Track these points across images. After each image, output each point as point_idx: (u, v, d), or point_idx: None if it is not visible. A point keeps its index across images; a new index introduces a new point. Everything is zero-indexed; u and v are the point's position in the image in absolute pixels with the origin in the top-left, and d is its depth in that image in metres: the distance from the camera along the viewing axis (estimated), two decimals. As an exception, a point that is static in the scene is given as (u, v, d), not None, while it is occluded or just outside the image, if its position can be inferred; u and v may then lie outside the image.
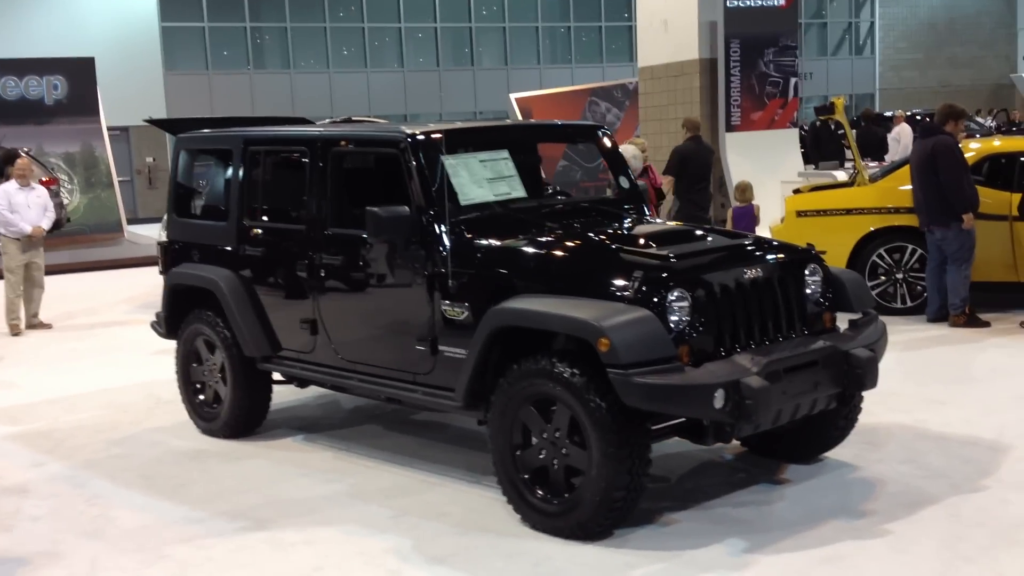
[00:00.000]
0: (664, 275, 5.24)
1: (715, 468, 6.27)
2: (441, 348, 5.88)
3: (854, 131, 17.61)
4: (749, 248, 5.77)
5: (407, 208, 5.86)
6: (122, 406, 8.41)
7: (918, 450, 6.42)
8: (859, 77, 42.55)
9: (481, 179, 6.18)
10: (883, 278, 10.67)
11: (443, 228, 5.83)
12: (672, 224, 6.44)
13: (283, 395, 7.97)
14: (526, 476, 5.44)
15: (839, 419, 6.06)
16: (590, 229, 6.01)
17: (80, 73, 22.31)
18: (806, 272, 5.77)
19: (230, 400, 7.20)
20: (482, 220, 6.01)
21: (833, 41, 42.16)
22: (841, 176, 15.28)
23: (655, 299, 5.12)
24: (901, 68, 43.29)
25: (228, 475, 6.54)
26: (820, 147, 18.07)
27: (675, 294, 5.16)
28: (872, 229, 10.66)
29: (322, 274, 6.54)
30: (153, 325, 7.83)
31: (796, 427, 5.91)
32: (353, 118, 17.78)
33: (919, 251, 10.42)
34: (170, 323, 7.60)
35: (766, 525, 5.36)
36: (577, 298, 5.27)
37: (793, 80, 17.55)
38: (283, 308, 6.84)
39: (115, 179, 22.79)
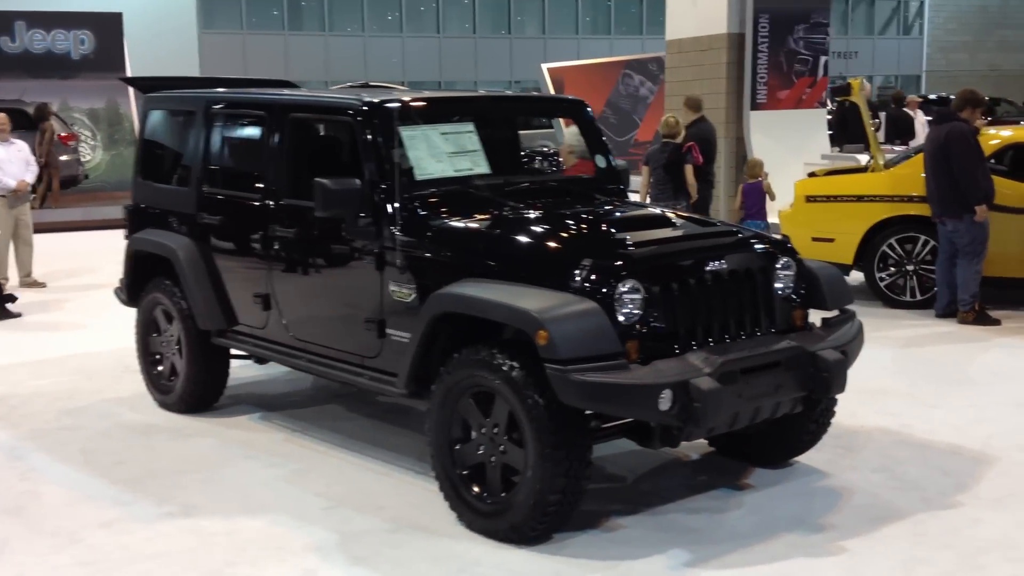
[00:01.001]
0: (616, 264, 4.89)
1: (677, 469, 5.93)
2: (388, 331, 5.57)
3: (884, 114, 17.09)
4: (717, 239, 5.40)
5: (358, 181, 5.52)
6: (89, 372, 8.19)
7: (895, 458, 6.04)
8: (906, 58, 41.68)
9: (441, 153, 5.84)
10: (893, 269, 10.22)
11: (395, 204, 5.50)
12: (645, 209, 6.05)
13: (249, 369, 7.70)
14: (464, 472, 5.13)
15: (809, 423, 5.69)
16: (553, 211, 5.65)
17: (107, 28, 22.07)
18: (777, 266, 5.39)
19: (185, 374, 6.95)
20: (438, 197, 5.68)
21: (880, 20, 41.28)
22: (866, 160, 14.76)
23: (604, 290, 4.77)
24: (949, 50, 42.33)
25: (170, 454, 6.28)
26: (846, 129, 17.48)
27: (626, 285, 4.80)
28: (883, 218, 10.18)
29: (275, 247, 6.25)
30: (116, 292, 7.58)
31: (764, 429, 5.55)
32: (370, 83, 17.47)
33: (932, 242, 9.95)
34: (131, 290, 7.35)
35: (715, 536, 5.02)
36: (526, 285, 4.93)
37: (823, 59, 16.96)
38: (239, 281, 6.56)
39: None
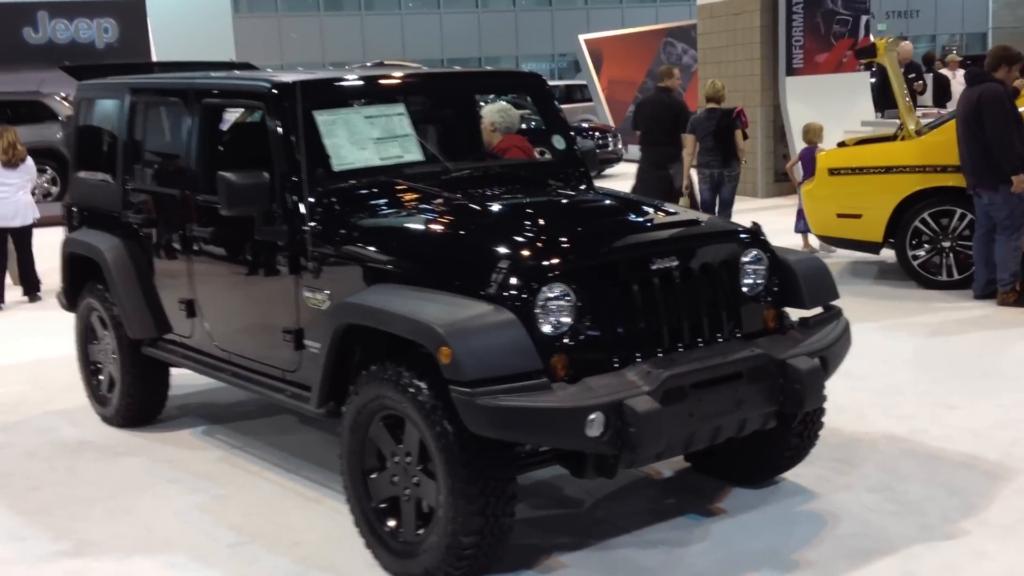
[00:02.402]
0: (540, 265, 4.17)
1: (643, 490, 5.20)
2: (307, 343, 4.92)
3: (929, 75, 16.03)
4: (669, 231, 4.65)
5: (266, 174, 4.85)
6: (43, 381, 7.66)
7: (898, 473, 5.25)
8: (970, 15, 40.08)
9: (365, 139, 5.15)
10: (927, 247, 9.34)
11: (308, 199, 4.82)
12: (599, 197, 5.30)
13: (202, 376, 7.09)
14: (378, 506, 4.46)
15: (791, 438, 4.92)
16: (487, 203, 4.93)
17: (131, 16, 21.65)
18: (745, 259, 4.63)
19: (120, 386, 6.37)
20: (359, 190, 5.00)
21: (943, -24, 39.70)
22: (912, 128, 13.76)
23: (525, 296, 4.06)
24: (1017, 6, 40.58)
25: (90, 477, 5.71)
26: (887, 94, 16.44)
27: (553, 290, 4.09)
28: (915, 190, 9.30)
29: (195, 248, 5.61)
30: (58, 296, 7.00)
31: (741, 445, 4.80)
32: (385, 62, 16.77)
33: (969, 216, 9.05)
34: (69, 295, 6.76)
35: (668, 577, 4.29)
36: (441, 292, 4.23)
37: (864, 18, 15.98)
38: (166, 285, 5.94)
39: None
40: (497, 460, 4.07)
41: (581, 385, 4.04)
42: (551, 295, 4.10)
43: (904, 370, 6.99)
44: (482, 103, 6.84)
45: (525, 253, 4.27)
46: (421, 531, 4.28)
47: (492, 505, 4.07)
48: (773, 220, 11.85)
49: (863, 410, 6.18)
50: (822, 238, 10.06)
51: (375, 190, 5.01)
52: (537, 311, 4.06)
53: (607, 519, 4.86)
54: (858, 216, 9.60)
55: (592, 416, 3.90)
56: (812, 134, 11.07)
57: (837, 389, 5.99)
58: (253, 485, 5.47)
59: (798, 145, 14.92)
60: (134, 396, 6.34)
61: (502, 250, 4.30)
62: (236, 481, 5.53)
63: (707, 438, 4.32)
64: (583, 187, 5.55)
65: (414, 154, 5.23)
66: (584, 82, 25.51)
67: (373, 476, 4.47)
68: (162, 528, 5.01)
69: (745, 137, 10.91)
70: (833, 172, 9.76)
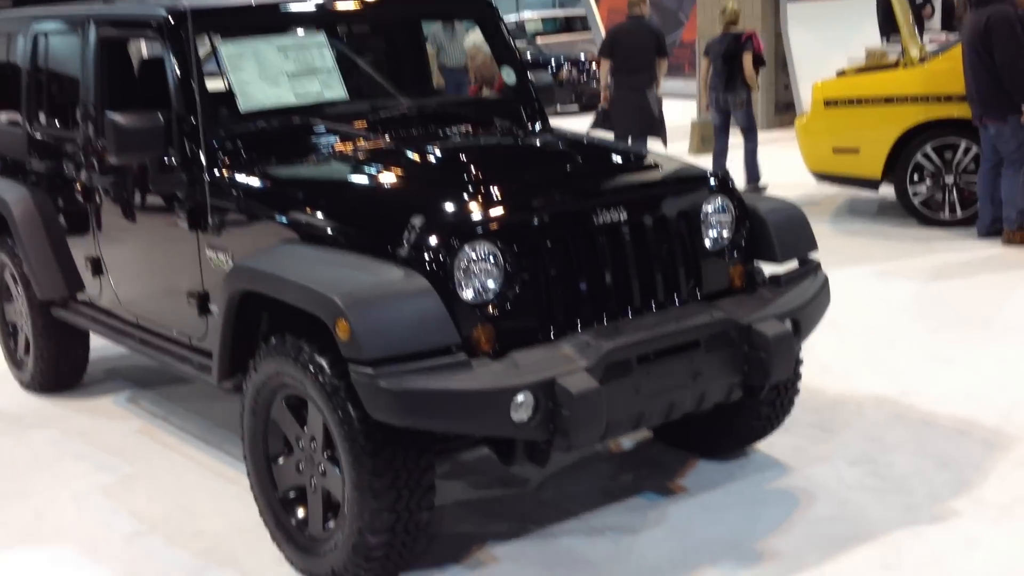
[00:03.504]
0: (460, 222, 3.57)
1: (598, 464, 4.64)
2: (212, 307, 4.33)
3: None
4: (620, 179, 4.03)
5: (160, 115, 4.23)
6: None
7: (884, 443, 4.68)
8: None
9: (278, 74, 4.52)
10: (929, 183, 8.69)
11: (207, 143, 4.21)
12: (546, 139, 4.65)
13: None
14: (285, 496, 3.90)
15: (761, 407, 4.34)
16: (415, 147, 4.30)
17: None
18: (708, 209, 4.01)
19: (33, 349, 5.81)
20: (268, 134, 4.37)
21: None
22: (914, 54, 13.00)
23: (441, 258, 3.46)
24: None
25: (-9, 454, 5.15)
26: (893, 18, 15.61)
27: (475, 251, 3.49)
28: (917, 122, 8.61)
29: (97, 200, 5.02)
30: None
31: (708, 414, 4.20)
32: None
33: (974, 149, 8.39)
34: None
35: (612, 573, 3.73)
36: (349, 254, 3.63)
37: (870, -64, 15.06)
38: (73, 240, 5.35)
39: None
40: (410, 448, 3.49)
41: (507, 361, 3.45)
42: (474, 256, 3.50)
43: (898, 319, 6.39)
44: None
45: (445, 207, 3.67)
46: (330, 525, 3.72)
47: (405, 500, 3.51)
48: (773, 153, 11.18)
49: (850, 367, 5.60)
50: (817, 175, 9.38)
51: (287, 134, 4.39)
52: (457, 275, 3.47)
53: (553, 501, 4.31)
54: (855, 151, 8.94)
55: (518, 398, 3.32)
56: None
57: (822, 343, 5.44)
58: (166, 462, 4.93)
59: (800, 75, 14.22)
60: (48, 361, 5.79)
61: (418, 204, 3.69)
62: (149, 457, 4.99)
63: (659, 415, 3.75)
64: (535, 127, 4.90)
65: (336, 91, 4.60)
66: (584, 12, 24.64)
67: (279, 462, 3.90)
68: (55, 514, 4.47)
69: (762, 63, 10.51)
70: (829, 104, 9.08)
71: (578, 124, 16.02)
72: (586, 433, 3.40)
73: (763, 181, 10.53)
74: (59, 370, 5.83)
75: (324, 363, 3.48)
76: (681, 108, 14.69)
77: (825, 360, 5.64)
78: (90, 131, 4.93)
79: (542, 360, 3.45)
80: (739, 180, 10.84)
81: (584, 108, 19.68)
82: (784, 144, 12.34)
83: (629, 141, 10.15)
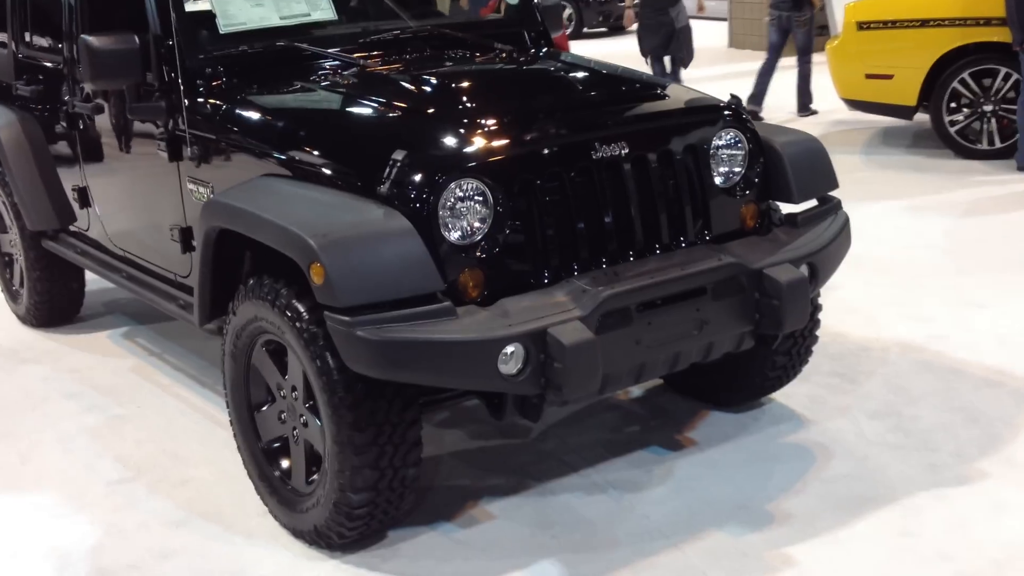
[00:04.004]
0: (446, 156, 3.30)
1: (603, 413, 4.40)
2: (196, 243, 4.07)
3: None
4: (622, 109, 3.73)
5: (136, 38, 3.96)
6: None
7: (909, 394, 4.42)
8: None
9: (264, -7, 4.22)
10: (967, 111, 8.30)
11: (185, 68, 3.95)
12: (548, 65, 4.34)
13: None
14: (268, 446, 3.70)
15: (776, 356, 4.08)
16: (407, 73, 4.02)
17: None
18: (719, 143, 3.72)
19: (27, 283, 5.62)
20: (251, 58, 4.10)
21: None
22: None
23: (425, 196, 3.19)
24: None
25: (-23, 392, 4.99)
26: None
27: (461, 188, 3.23)
28: (954, 47, 8.21)
29: (81, 127, 4.78)
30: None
31: (720, 363, 3.93)
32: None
33: (1014, 76, 8.00)
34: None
35: (608, 537, 3.53)
36: (328, 190, 3.38)
37: None
38: (62, 170, 5.12)
39: None
40: (394, 401, 3.26)
41: (495, 309, 3.20)
42: (460, 194, 3.23)
43: (929, 258, 6.08)
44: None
45: (430, 141, 3.40)
46: (314, 479, 3.51)
47: (388, 456, 3.29)
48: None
49: (876, 310, 5.32)
50: (849, 102, 8.99)
51: (270, 58, 4.11)
52: (442, 215, 3.21)
53: (554, 453, 4.08)
54: (889, 76, 8.55)
55: (507, 349, 3.08)
56: None
57: (848, 284, 5.18)
58: (158, 404, 4.74)
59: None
60: (42, 294, 5.60)
61: (402, 137, 3.42)
62: (140, 398, 4.80)
63: (663, 367, 3.50)
64: (539, 52, 4.59)
65: (324, 12, 4.31)
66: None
67: (262, 410, 3.69)
68: (40, 458, 4.30)
69: None
70: (862, 26, 8.67)
71: (606, 48, 15.59)
72: (580, 387, 3.16)
73: (814, 106, 10.21)
74: (53, 304, 5.64)
75: (302, 309, 3.25)
76: (711, 30, 14.23)
77: (850, 302, 5.36)
78: (74, 54, 4.67)
79: (534, 308, 3.20)
80: (785, 105, 10.51)
81: (613, 30, 19.19)
82: (817, 68, 11.91)
83: (651, 63, 9.83)
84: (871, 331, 5.06)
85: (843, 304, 5.30)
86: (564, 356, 3.07)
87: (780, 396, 4.39)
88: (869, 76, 8.63)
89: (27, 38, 5.22)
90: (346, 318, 3.03)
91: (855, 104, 9.00)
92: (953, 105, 8.36)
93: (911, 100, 8.46)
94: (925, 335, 4.99)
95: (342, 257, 3.04)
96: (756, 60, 10.96)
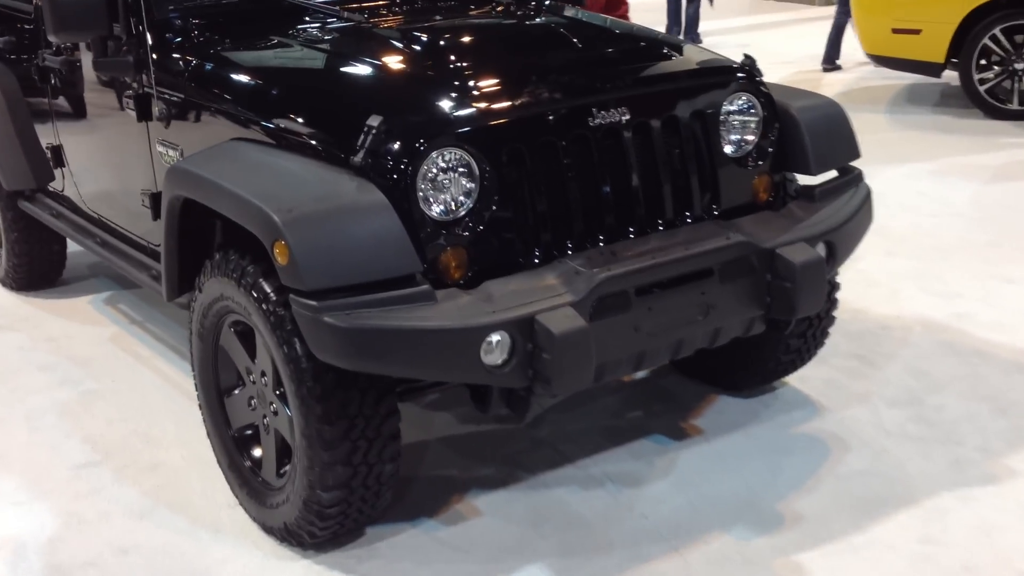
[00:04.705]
0: (426, 122, 2.99)
1: (603, 399, 4.11)
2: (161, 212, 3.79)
3: None
4: (625, 70, 3.41)
5: None
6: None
7: (932, 379, 4.11)
8: None
9: (242, -61, 3.89)
10: (997, 69, 7.92)
11: (154, 20, 3.64)
12: (547, 22, 3.99)
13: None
14: (239, 433, 3.43)
15: (791, 339, 3.78)
16: (391, 29, 3.71)
17: None
18: (730, 108, 3.40)
19: (4, 244, 5.36)
20: (225, 8, 3.80)
21: None
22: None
23: (402, 166, 2.89)
24: None
25: (-52, 362, 4.74)
26: None
27: (443, 158, 2.93)
28: (985, 0, 7.79)
29: (53, 81, 4.49)
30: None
31: (730, 345, 3.62)
32: None
33: (1049, 33, 7.61)
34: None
35: (602, 543, 3.24)
36: (300, 157, 3.08)
37: None
38: (38, 127, 4.83)
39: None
40: (368, 391, 2.98)
41: (479, 293, 2.91)
42: (442, 164, 2.93)
43: (955, 227, 5.75)
44: None
45: (410, 104, 3.09)
46: (285, 471, 3.24)
47: (362, 451, 3.02)
48: (827, 32, 10.32)
49: (898, 284, 5.00)
50: (874, 58, 8.60)
51: (247, 9, 3.80)
52: (422, 187, 2.91)
53: (549, 440, 3.80)
54: (917, 32, 8.16)
55: (491, 338, 2.78)
56: None
57: (869, 255, 4.89)
58: (134, 378, 4.48)
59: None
60: (21, 256, 5.33)
61: (380, 100, 3.12)
62: (116, 371, 4.54)
63: (665, 354, 3.21)
64: (540, 5, 4.25)
65: (310, -41, 3.98)
66: None
67: (233, 394, 3.41)
68: (5, 437, 4.07)
69: None
70: (889, -22, 8.25)
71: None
72: (571, 379, 2.87)
73: (840, 62, 9.83)
74: (33, 268, 5.38)
75: (269, 289, 2.96)
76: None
77: (870, 274, 5.05)
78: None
79: (521, 292, 2.91)
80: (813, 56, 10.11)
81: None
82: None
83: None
84: (892, 307, 4.75)
85: (863, 277, 4.99)
86: (553, 346, 2.78)
87: (794, 379, 4.10)
88: (896, 31, 8.24)
89: (0, -14, 4.91)
90: (312, 302, 2.74)
91: (880, 60, 8.61)
92: (983, 62, 7.98)
93: (939, 57, 8.08)
94: (950, 313, 4.68)
95: (309, 235, 2.75)
96: (782, 12, 10.56)
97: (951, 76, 8.36)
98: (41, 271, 5.43)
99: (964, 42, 7.94)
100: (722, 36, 11.57)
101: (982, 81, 8.01)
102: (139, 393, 4.34)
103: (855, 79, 9.69)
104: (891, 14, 8.23)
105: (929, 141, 7.50)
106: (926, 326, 4.56)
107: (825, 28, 10.19)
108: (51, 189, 4.89)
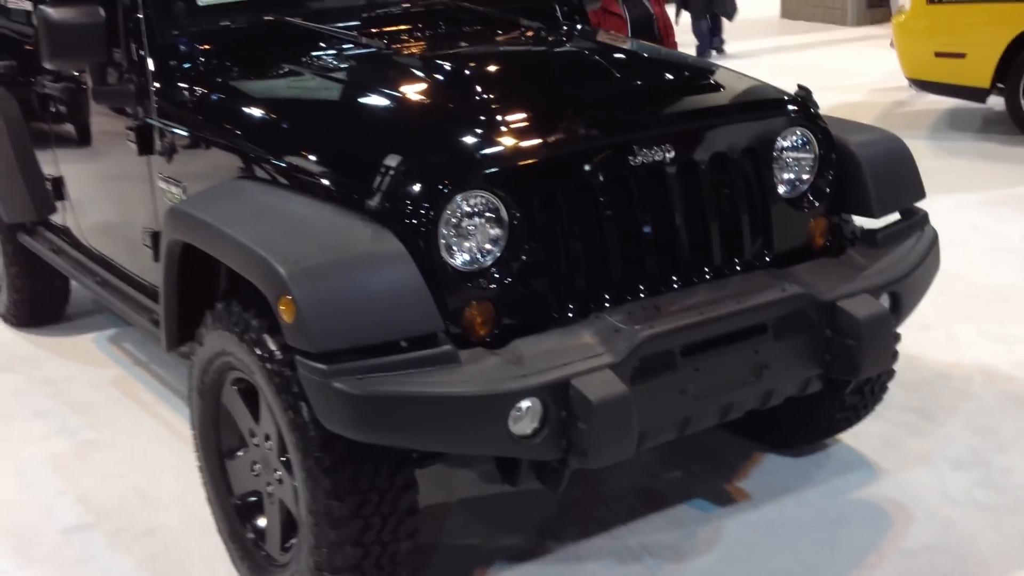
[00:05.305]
0: (450, 163, 2.68)
1: (639, 456, 3.70)
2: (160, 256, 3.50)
3: None
4: (668, 104, 3.09)
5: (102, 10, 3.37)
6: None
7: (998, 437, 3.78)
8: None
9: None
10: (1046, 93, 7.57)
11: (157, 47, 3.36)
12: (579, 50, 3.67)
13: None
14: (241, 500, 3.12)
15: (846, 396, 3.44)
16: (412, 57, 3.40)
17: None
18: (784, 145, 3.07)
19: (5, 279, 5.08)
20: (233, 34, 3.51)
21: None
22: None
23: (423, 212, 2.58)
24: None
25: (-60, 406, 4.46)
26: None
27: (468, 203, 2.61)
28: (1034, 24, 7.48)
29: (52, 110, 4.22)
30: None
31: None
32: None
33: (1101, 57, 7.25)
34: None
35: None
36: (311, 200, 2.78)
37: None
38: (40, 156, 4.57)
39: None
40: (382, 462, 2.67)
41: (507, 353, 2.60)
42: (467, 209, 2.62)
43: (1011, 264, 5.41)
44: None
45: (433, 142, 2.78)
46: (291, 544, 2.93)
47: (375, 530, 2.71)
48: (863, 54, 10.01)
49: (953, 327, 4.66)
50: (915, 82, 8.27)
51: (257, 35, 3.51)
52: (444, 235, 2.60)
53: (582, 504, 3.48)
54: (961, 56, 7.83)
55: (521, 405, 2.47)
56: None
57: (921, 296, 4.48)
58: (135, 426, 4.19)
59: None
60: (22, 292, 5.07)
61: (399, 137, 2.81)
62: (116, 419, 4.26)
63: (712, 418, 2.90)
64: (572, 31, 3.95)
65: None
66: None
67: (238, 455, 3.11)
68: (-8, 495, 3.75)
69: None
70: (932, 1, 7.92)
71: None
72: (610, 451, 2.56)
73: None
74: (35, 303, 5.12)
75: (274, 347, 2.66)
76: None
77: (923, 316, 4.62)
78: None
79: (554, 352, 2.60)
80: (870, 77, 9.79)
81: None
82: (876, 43, 11.18)
83: (694, 21, 9.29)
84: (949, 354, 4.41)
85: (915, 319, 4.53)
86: (591, 415, 2.47)
87: (847, 436, 3.78)
88: (939, 54, 7.91)
89: (4, 5, 4.66)
90: (321, 366, 2.43)
91: (922, 84, 8.28)
92: (1031, 87, 7.63)
93: (984, 82, 7.74)
94: (1012, 361, 4.34)
95: (317, 289, 2.45)
96: (810, 32, 10.24)
97: (995, 101, 8.01)
98: (43, 307, 5.17)
99: (1011, 66, 7.59)
100: (747, 59, 11.25)
101: (1031, 106, 7.66)
102: (139, 444, 4.05)
103: (891, 103, 9.36)
104: (934, 38, 7.90)
105: (975, 170, 7.16)
106: (987, 375, 4.22)
107: (858, 51, 9.86)
108: (52, 222, 4.61)
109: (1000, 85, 7.76)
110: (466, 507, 3.51)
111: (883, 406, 3.77)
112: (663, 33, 5.93)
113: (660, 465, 3.69)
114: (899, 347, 3.48)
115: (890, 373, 3.52)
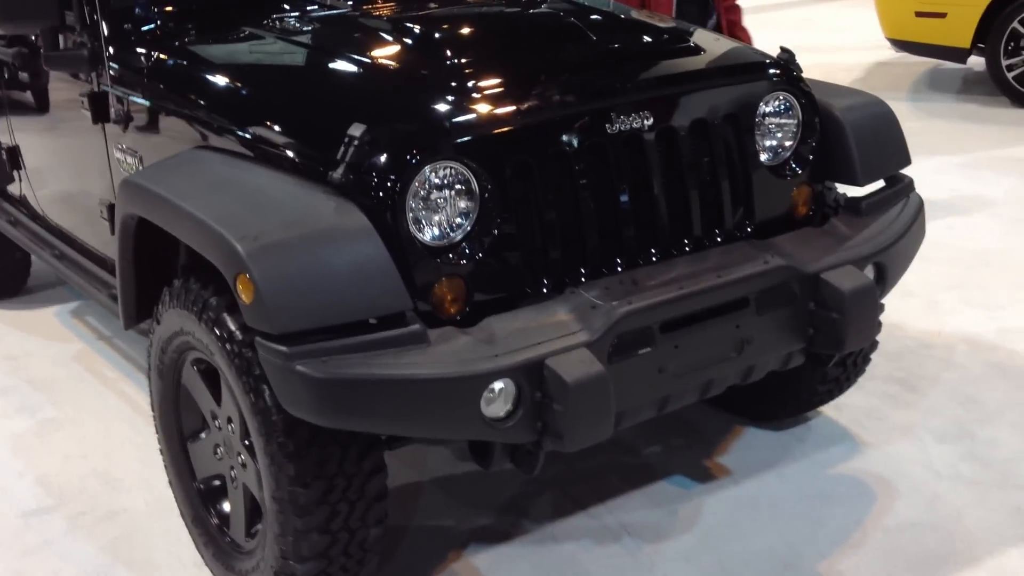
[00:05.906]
0: (417, 131, 2.55)
1: (620, 434, 3.65)
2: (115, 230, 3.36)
3: None
4: (647, 68, 2.96)
5: None
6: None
7: (982, 407, 3.70)
8: None
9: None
10: (1025, 55, 7.50)
11: (110, 10, 3.21)
12: (557, 12, 3.52)
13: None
14: (204, 485, 3.00)
15: (828, 368, 3.35)
16: (381, 20, 3.26)
17: None
18: (766, 110, 2.95)
19: (-38, 251, 4.92)
20: (195, -2, 3.35)
21: None
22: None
23: (388, 184, 2.45)
24: None
25: None
26: None
27: (433, 174, 2.49)
28: (1014, -17, 7.38)
29: (5, 75, 4.05)
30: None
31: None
32: None
33: (1082, 17, 7.16)
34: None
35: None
36: (272, 171, 2.64)
37: None
38: (-5, 124, 4.41)
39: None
40: (349, 447, 2.55)
41: (479, 332, 2.48)
42: (436, 181, 2.49)
43: (992, 229, 5.32)
44: None
45: (400, 109, 2.65)
46: (257, 529, 2.82)
47: (343, 516, 2.59)
48: (842, 13, 9.86)
49: (936, 294, 4.58)
50: (895, 42, 8.15)
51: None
52: (412, 208, 2.47)
53: (558, 481, 3.38)
54: (942, 15, 7.71)
55: (493, 387, 2.35)
56: None
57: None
58: (97, 404, 4.07)
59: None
60: (-21, 265, 4.90)
61: (364, 105, 2.68)
62: (79, 396, 4.13)
63: (693, 395, 2.80)
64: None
65: (286, -59, 3.53)
66: None
67: (200, 438, 2.99)
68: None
69: None
70: (912, -42, 7.79)
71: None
72: (587, 433, 2.45)
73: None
74: (-8, 274, 4.96)
75: (234, 327, 2.53)
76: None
77: (905, 283, 4.53)
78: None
79: (528, 330, 2.48)
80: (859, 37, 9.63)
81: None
82: (855, 2, 11.02)
83: None
84: (932, 321, 4.33)
85: (897, 285, 4.52)
86: (566, 396, 2.36)
87: (829, 408, 3.69)
88: (919, 14, 7.79)
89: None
90: (282, 348, 2.31)
91: (902, 45, 8.16)
92: (1011, 47, 7.53)
93: (965, 42, 7.63)
94: (995, 327, 4.26)
95: (277, 267, 2.31)
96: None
97: (975, 61, 7.91)
98: (3, 280, 5.02)
99: (991, 26, 7.49)
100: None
101: (1010, 68, 7.57)
102: (102, 423, 3.92)
103: (871, 64, 9.24)
104: (913, -2, 7.79)
105: (956, 131, 7.07)
106: (970, 344, 4.14)
107: (837, 10, 9.71)
108: (9, 193, 4.45)
109: (981, 45, 7.66)
110: (439, 486, 3.40)
111: (865, 377, 3.68)
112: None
113: (638, 440, 3.59)
114: (881, 316, 3.39)
115: (873, 344, 3.42)
